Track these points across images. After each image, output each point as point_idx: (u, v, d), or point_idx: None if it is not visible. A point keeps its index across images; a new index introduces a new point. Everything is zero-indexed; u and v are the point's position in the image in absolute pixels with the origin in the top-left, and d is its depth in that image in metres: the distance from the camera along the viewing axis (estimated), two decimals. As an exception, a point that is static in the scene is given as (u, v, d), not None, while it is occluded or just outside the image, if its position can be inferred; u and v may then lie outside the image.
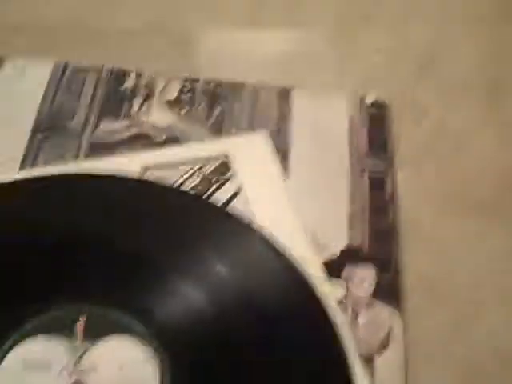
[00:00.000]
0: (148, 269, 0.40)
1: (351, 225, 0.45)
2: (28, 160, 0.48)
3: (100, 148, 0.49)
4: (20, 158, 0.48)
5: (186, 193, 0.45)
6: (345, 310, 0.41)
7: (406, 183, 0.46)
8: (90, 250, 0.40)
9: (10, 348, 0.37)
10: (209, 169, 0.47)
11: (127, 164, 0.47)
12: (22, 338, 0.38)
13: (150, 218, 0.42)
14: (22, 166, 0.48)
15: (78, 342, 0.38)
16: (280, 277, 0.40)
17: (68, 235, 0.41)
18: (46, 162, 0.48)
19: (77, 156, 0.49)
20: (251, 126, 0.50)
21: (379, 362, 0.39)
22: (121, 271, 0.40)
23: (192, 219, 0.43)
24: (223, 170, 0.47)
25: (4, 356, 0.37)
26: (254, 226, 0.42)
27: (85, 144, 0.49)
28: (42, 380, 0.36)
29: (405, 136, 0.49)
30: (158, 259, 0.40)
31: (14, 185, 0.44)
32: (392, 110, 0.50)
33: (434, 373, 0.39)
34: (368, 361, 0.39)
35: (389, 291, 0.42)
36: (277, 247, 0.41)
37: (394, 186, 0.47)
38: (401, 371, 0.39)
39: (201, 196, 0.45)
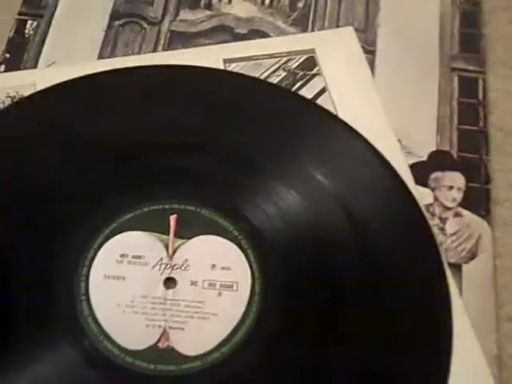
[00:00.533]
0: (243, 170, 0.39)
1: (440, 129, 0.44)
2: (106, 49, 0.47)
3: (179, 38, 0.48)
4: (98, 46, 0.47)
5: (289, 92, 0.44)
6: (431, 217, 0.41)
7: (499, 86, 0.45)
8: (190, 148, 0.40)
9: (107, 239, 0.38)
10: (294, 63, 0.46)
11: (208, 56, 0.46)
12: (119, 230, 0.38)
13: (250, 117, 0.41)
14: (101, 55, 0.47)
15: (171, 239, 0.38)
16: (381, 185, 0.40)
17: (167, 132, 0.41)
18: (125, 52, 0.47)
19: (155, 46, 0.47)
20: (336, 22, 0.48)
21: (467, 270, 0.39)
22: (215, 172, 0.40)
23: (293, 121, 0.42)
24: (310, 65, 0.46)
25: (101, 247, 0.37)
26: (356, 130, 0.41)
27: (164, 33, 0.48)
28: (136, 273, 0.37)
29: (498, 35, 0.47)
30: (254, 160, 0.40)
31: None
32: (486, 8, 0.48)
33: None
34: (456, 269, 0.39)
35: (478, 200, 0.41)
36: (378, 152, 0.40)
37: (485, 88, 0.45)
38: (490, 281, 0.39)
39: (304, 97, 0.44)
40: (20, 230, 0.38)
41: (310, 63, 0.46)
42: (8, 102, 0.44)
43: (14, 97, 0.44)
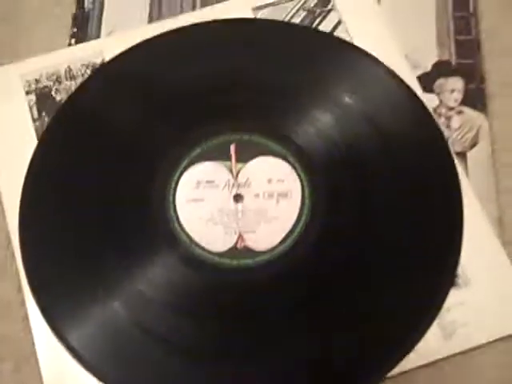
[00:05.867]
0: (287, 100, 0.49)
1: (439, 42, 0.53)
2: (154, 12, 0.56)
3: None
4: (147, 10, 0.57)
5: (312, 29, 0.54)
6: (439, 117, 0.50)
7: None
8: (241, 88, 0.50)
9: (184, 171, 0.48)
10: (312, 2, 0.54)
11: (238, 7, 0.55)
12: (192, 163, 0.48)
13: (290, 56, 0.51)
14: (150, 18, 0.56)
15: (233, 164, 0.48)
16: (398, 99, 0.49)
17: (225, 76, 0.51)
18: (170, 13, 0.56)
19: (193, 3, 0.56)
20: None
21: (471, 156, 0.49)
22: (263, 104, 0.50)
23: (321, 53, 0.51)
24: (324, 1, 0.54)
25: (179, 178, 0.48)
26: (374, 57, 0.50)
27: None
28: (211, 194, 0.48)
29: None
30: (296, 92, 0.50)
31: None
32: None
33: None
34: (462, 156, 0.49)
35: (475, 97, 0.51)
36: (392, 72, 0.50)
37: (475, 1, 0.54)
38: (489, 162, 0.49)
39: (328, 32, 0.54)
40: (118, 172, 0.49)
41: (324, 0, 0.54)
42: (83, 69, 0.54)
43: (88, 65, 0.54)
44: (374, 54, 0.50)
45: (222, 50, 0.52)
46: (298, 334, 0.44)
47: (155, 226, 0.47)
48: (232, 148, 0.49)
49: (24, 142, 0.51)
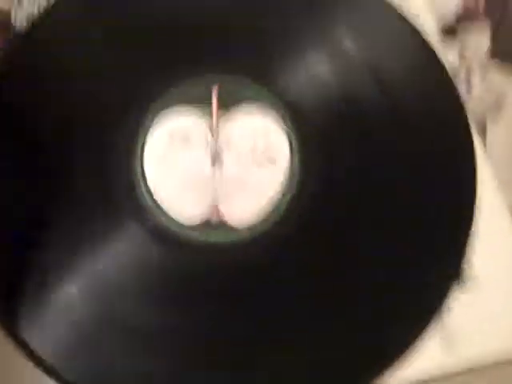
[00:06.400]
0: (277, 39, 0.41)
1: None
2: None
3: None
4: None
5: None
6: (458, 80, 0.43)
7: None
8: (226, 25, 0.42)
9: (154, 119, 0.41)
10: None
11: None
12: (164, 107, 0.41)
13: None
14: None
15: (214, 112, 0.41)
16: (414, 57, 0.41)
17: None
18: None
19: None
20: None
21: (492, 128, 0.42)
22: (250, 41, 0.41)
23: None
24: None
25: (149, 128, 0.40)
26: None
27: None
28: (184, 154, 0.40)
29: None
30: (286, 29, 0.41)
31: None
32: None
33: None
34: (481, 129, 0.42)
35: (503, 54, 0.43)
36: (406, 17, 0.41)
37: None
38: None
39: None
40: (71, 116, 0.41)
41: None
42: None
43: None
44: None
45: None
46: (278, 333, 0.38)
47: (116, 191, 0.40)
48: (214, 91, 0.41)
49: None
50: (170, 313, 0.38)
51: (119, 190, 0.39)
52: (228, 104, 0.41)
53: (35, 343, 0.36)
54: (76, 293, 0.37)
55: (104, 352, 0.36)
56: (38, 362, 0.36)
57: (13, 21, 0.45)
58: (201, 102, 0.41)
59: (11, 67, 0.41)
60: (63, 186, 0.39)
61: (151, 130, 0.40)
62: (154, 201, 0.39)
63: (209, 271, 0.39)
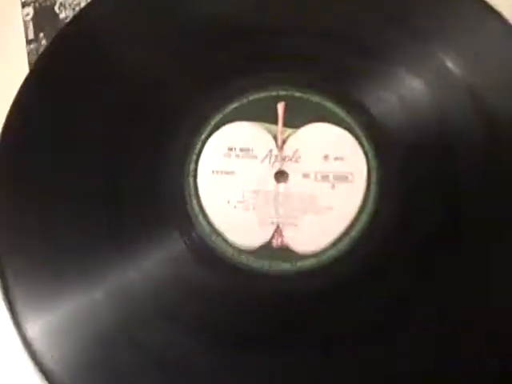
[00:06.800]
0: (360, 53, 0.36)
1: None
2: None
3: None
4: None
5: None
6: None
7: None
8: (292, 31, 0.37)
9: (213, 131, 0.36)
10: None
11: None
12: (225, 121, 0.36)
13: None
14: None
15: (279, 129, 0.36)
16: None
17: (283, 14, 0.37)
18: None
19: None
20: None
21: None
22: (327, 54, 0.36)
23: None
24: None
25: (207, 140, 0.36)
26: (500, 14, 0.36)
27: None
28: (245, 167, 0.35)
29: None
30: (372, 42, 0.36)
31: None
32: None
33: None
34: None
35: None
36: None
37: None
38: None
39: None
40: (125, 122, 0.36)
41: None
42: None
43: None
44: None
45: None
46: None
47: (166, 199, 0.35)
48: (280, 107, 0.36)
49: (12, 67, 0.39)
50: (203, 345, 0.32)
51: (170, 202, 0.34)
52: (296, 123, 0.36)
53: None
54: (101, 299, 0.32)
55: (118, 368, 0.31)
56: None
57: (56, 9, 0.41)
58: (265, 119, 0.36)
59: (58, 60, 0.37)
60: (115, 196, 0.35)
61: (208, 142, 0.36)
62: (206, 217, 0.34)
63: (263, 301, 0.33)
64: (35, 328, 0.32)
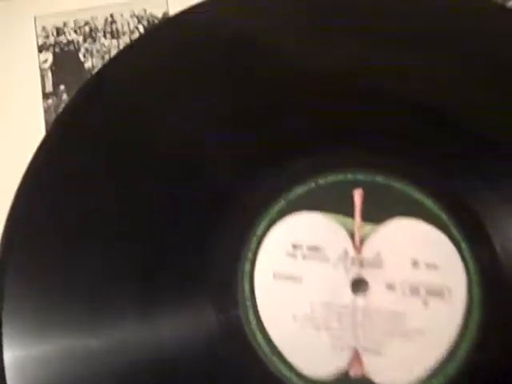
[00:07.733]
0: (475, 140, 0.29)
1: None
2: None
3: None
4: None
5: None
6: None
7: None
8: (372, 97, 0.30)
9: (273, 223, 0.29)
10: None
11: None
12: (288, 211, 0.29)
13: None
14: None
15: (357, 223, 0.29)
16: None
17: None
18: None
19: None
20: None
21: None
22: (428, 136, 0.29)
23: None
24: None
25: (265, 234, 0.29)
26: None
27: None
28: (314, 272, 0.28)
29: None
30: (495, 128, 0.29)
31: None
32: None
33: None
34: None
35: None
36: None
37: None
38: None
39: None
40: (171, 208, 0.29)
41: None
42: (134, 22, 0.34)
43: (141, 17, 0.34)
44: None
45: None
46: None
47: (211, 316, 0.27)
48: (357, 195, 0.29)
49: (25, 128, 0.32)
50: None
51: (216, 318, 0.27)
52: (378, 216, 0.29)
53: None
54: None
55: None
56: None
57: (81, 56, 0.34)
58: (339, 207, 0.29)
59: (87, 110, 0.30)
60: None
61: (268, 236, 0.29)
62: (266, 335, 0.27)
63: None
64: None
